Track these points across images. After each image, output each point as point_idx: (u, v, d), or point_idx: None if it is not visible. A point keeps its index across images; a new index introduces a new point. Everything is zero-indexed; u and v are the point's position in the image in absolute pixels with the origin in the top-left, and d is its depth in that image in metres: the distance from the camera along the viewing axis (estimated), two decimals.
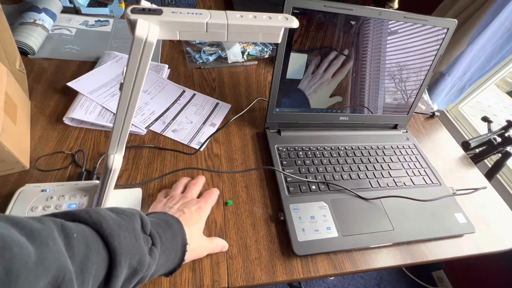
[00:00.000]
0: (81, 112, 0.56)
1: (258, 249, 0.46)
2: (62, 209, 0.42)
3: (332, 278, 1.26)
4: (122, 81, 0.28)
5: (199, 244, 0.41)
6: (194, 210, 0.42)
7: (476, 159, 0.95)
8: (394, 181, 0.60)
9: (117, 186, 0.48)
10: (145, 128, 0.59)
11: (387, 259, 0.49)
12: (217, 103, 0.68)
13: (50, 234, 0.21)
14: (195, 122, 0.63)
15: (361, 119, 0.68)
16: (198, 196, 0.48)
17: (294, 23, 0.29)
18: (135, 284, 0.30)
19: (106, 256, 0.25)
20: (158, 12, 0.26)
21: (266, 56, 0.85)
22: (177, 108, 0.65)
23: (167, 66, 0.73)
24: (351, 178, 0.58)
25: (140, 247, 0.28)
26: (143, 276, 0.30)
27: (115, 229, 0.27)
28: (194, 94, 0.69)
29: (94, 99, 0.59)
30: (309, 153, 0.61)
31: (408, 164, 0.64)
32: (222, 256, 0.45)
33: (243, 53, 0.82)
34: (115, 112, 0.32)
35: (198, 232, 0.42)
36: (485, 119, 0.97)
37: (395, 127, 0.72)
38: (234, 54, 0.80)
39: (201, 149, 0.58)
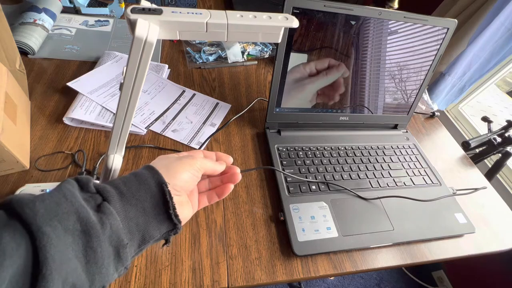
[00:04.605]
0: (81, 112, 0.56)
1: (258, 249, 0.46)
2: None
3: (332, 278, 1.26)
4: (122, 81, 0.28)
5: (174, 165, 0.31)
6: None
7: (476, 159, 0.95)
8: (394, 181, 0.60)
9: None
10: (145, 128, 0.59)
11: (387, 259, 0.49)
12: (217, 103, 0.68)
13: None
14: (195, 122, 0.63)
15: (361, 119, 0.68)
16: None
17: (294, 23, 0.29)
18: (116, 251, 0.24)
19: (21, 230, 0.20)
20: (158, 12, 0.26)
21: (266, 56, 0.85)
22: (177, 108, 0.65)
23: (167, 66, 0.73)
24: (351, 178, 0.58)
25: (72, 205, 0.22)
26: (113, 236, 0.24)
27: (26, 199, 0.21)
28: (194, 94, 0.69)
29: (94, 99, 0.59)
30: (309, 153, 0.61)
31: (408, 164, 0.64)
32: (222, 256, 0.45)
33: (243, 53, 0.82)
34: (115, 112, 0.32)
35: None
36: (485, 119, 0.97)
37: (395, 127, 0.72)
38: (234, 54, 0.80)
39: (201, 149, 0.58)
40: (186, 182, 0.31)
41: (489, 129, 0.96)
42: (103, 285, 0.24)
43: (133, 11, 0.25)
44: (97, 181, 0.28)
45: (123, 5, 0.83)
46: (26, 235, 0.20)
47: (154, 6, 0.26)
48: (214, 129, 0.62)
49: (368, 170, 0.61)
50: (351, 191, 0.55)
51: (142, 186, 0.27)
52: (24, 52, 0.66)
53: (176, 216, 0.28)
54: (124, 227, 0.25)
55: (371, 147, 0.66)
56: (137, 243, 0.26)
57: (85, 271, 0.22)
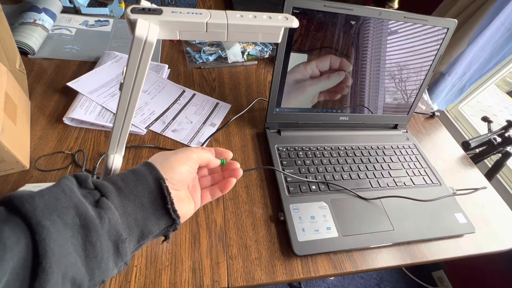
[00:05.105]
0: (81, 112, 0.56)
1: (258, 249, 0.46)
2: None
3: (332, 278, 1.26)
4: (122, 81, 0.28)
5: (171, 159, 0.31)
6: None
7: (476, 159, 0.95)
8: (394, 181, 0.60)
9: None
10: (145, 128, 0.59)
11: (387, 259, 0.49)
12: (217, 103, 0.68)
13: None
14: (195, 122, 0.63)
15: (361, 119, 0.68)
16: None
17: (294, 23, 0.29)
18: (115, 246, 0.24)
19: (21, 224, 0.20)
20: (158, 12, 0.26)
21: (266, 56, 0.85)
22: (177, 108, 0.65)
23: (167, 66, 0.73)
24: (351, 178, 0.58)
25: (71, 200, 0.23)
26: (112, 230, 0.24)
27: (26, 195, 0.22)
28: (194, 94, 0.69)
29: (94, 99, 0.59)
30: (309, 153, 0.61)
31: (408, 164, 0.64)
32: (222, 256, 0.45)
33: (243, 53, 0.82)
34: (115, 112, 0.32)
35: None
36: (485, 119, 0.97)
37: (395, 127, 0.72)
38: (234, 54, 0.80)
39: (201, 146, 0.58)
40: (182, 174, 0.31)
41: (489, 129, 0.96)
42: (103, 279, 0.24)
43: (133, 11, 0.25)
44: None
45: (123, 5, 0.83)
46: (26, 229, 0.20)
47: (154, 6, 0.26)
48: (214, 129, 0.62)
49: (368, 170, 0.61)
50: (351, 191, 0.55)
51: (140, 182, 0.28)
52: (24, 52, 0.66)
53: (175, 211, 0.28)
54: (123, 222, 0.25)
55: (371, 147, 0.66)
56: (136, 238, 0.27)
57: (84, 266, 0.22)
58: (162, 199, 0.28)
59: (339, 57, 0.58)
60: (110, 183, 0.27)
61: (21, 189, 0.43)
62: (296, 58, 0.56)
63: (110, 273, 0.24)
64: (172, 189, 0.29)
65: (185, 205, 0.32)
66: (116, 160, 0.34)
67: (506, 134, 0.89)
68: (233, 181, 0.36)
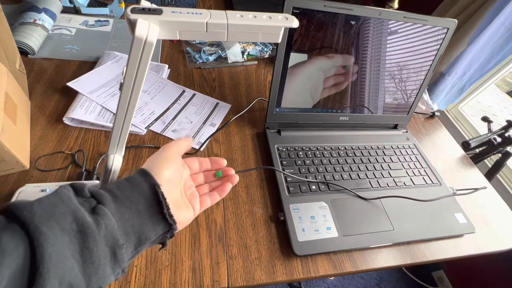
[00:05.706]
0: (81, 112, 0.56)
1: (258, 249, 0.46)
2: None
3: (332, 278, 1.26)
4: (122, 81, 0.28)
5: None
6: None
7: (476, 159, 0.95)
8: (394, 181, 0.60)
9: None
10: (145, 128, 0.59)
11: (387, 259, 0.49)
12: (217, 103, 0.68)
13: None
14: (195, 122, 0.63)
15: (361, 119, 0.68)
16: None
17: (294, 23, 0.29)
18: (112, 252, 0.24)
19: (20, 231, 0.20)
20: (158, 12, 0.26)
21: (266, 56, 0.85)
22: (177, 108, 0.65)
23: (167, 66, 0.73)
24: (351, 178, 0.58)
25: (69, 207, 0.23)
26: (109, 236, 0.24)
27: (24, 203, 0.22)
28: (194, 94, 0.69)
29: (94, 99, 0.59)
30: (309, 153, 0.61)
31: (408, 164, 0.64)
32: (222, 256, 0.45)
33: (243, 53, 0.82)
34: (115, 112, 0.32)
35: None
36: (485, 119, 0.97)
37: (395, 127, 0.72)
38: (234, 54, 0.80)
39: (201, 149, 0.58)
40: (170, 174, 0.31)
41: (489, 129, 0.96)
42: (100, 286, 0.24)
43: (133, 11, 0.25)
44: (94, 183, 0.28)
45: (123, 5, 0.83)
46: (24, 235, 0.20)
47: (154, 6, 0.26)
48: (214, 129, 0.62)
49: (368, 170, 0.61)
50: (351, 191, 0.55)
51: (135, 189, 0.28)
52: (24, 52, 0.66)
53: (171, 216, 0.29)
54: (120, 228, 0.26)
55: (371, 147, 0.66)
56: (133, 244, 0.27)
57: (81, 272, 0.22)
58: (158, 204, 0.28)
59: (339, 57, 0.58)
60: (105, 191, 0.27)
61: (21, 189, 0.43)
62: (296, 58, 0.56)
63: (108, 280, 0.24)
64: (168, 191, 0.29)
65: (183, 211, 0.32)
66: (116, 160, 0.34)
67: (506, 134, 0.89)
68: (229, 186, 0.38)
